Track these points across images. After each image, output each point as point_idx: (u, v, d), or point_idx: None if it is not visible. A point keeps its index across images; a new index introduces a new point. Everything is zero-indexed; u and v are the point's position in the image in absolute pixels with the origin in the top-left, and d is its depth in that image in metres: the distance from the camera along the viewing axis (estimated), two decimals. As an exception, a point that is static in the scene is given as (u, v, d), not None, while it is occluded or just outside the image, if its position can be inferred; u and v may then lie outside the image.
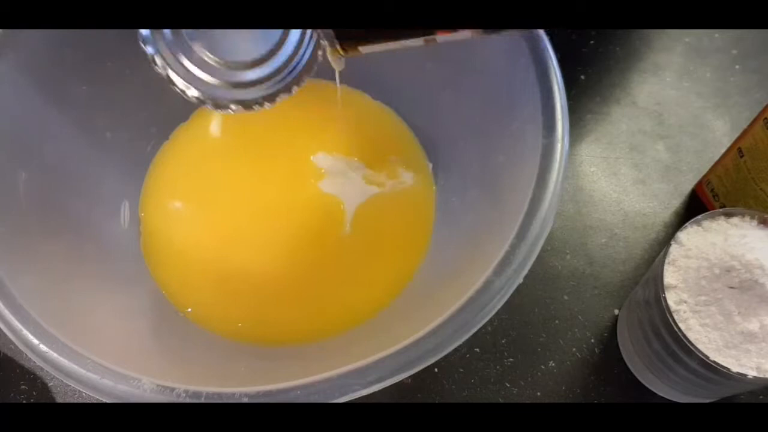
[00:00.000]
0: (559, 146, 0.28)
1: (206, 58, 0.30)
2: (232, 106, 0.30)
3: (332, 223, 0.39)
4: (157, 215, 0.40)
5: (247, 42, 0.30)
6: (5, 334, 0.27)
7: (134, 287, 0.37)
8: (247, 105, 0.30)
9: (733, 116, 0.45)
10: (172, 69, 0.30)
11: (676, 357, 0.31)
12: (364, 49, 0.29)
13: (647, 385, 0.37)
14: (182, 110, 0.42)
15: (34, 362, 0.27)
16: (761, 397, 0.37)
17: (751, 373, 0.29)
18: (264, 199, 0.40)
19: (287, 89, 0.31)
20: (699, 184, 0.42)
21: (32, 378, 0.39)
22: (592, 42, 0.48)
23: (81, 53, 0.35)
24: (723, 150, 0.39)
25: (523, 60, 0.30)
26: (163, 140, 0.42)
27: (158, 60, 0.30)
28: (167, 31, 0.30)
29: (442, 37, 0.27)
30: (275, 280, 0.38)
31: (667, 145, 0.44)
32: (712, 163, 0.41)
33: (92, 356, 0.26)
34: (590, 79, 0.47)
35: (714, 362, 0.29)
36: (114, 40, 0.36)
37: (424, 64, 0.37)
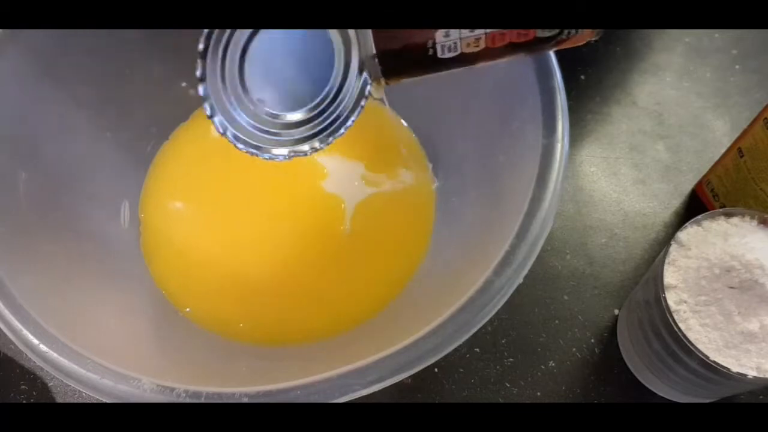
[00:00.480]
0: (559, 146, 0.28)
1: (260, 112, 0.30)
2: (289, 154, 0.30)
3: (332, 223, 0.39)
4: (157, 215, 0.40)
5: (297, 91, 0.30)
6: (5, 334, 0.27)
7: (134, 287, 0.37)
8: (302, 151, 0.30)
9: (733, 116, 0.45)
10: (229, 124, 0.30)
11: (676, 357, 0.31)
12: (407, 81, 0.29)
13: (647, 385, 0.37)
14: (182, 110, 0.42)
15: (34, 362, 0.27)
16: (761, 397, 0.37)
17: (751, 373, 0.29)
18: (264, 199, 0.40)
19: (337, 130, 0.30)
20: (699, 184, 0.42)
21: (32, 378, 0.39)
22: (592, 42, 0.48)
23: (81, 53, 0.35)
24: (723, 150, 0.39)
25: (523, 60, 0.30)
26: (163, 140, 0.42)
27: (218, 119, 0.30)
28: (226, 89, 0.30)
29: (483, 65, 0.27)
30: (275, 280, 0.38)
31: (667, 145, 0.44)
32: (712, 163, 0.41)
33: (92, 356, 0.26)
34: (590, 79, 0.47)
35: (714, 362, 0.29)
36: (114, 40, 0.36)
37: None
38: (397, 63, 0.28)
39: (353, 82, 0.29)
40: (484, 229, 0.32)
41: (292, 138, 0.30)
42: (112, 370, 0.26)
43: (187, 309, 0.37)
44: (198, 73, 0.30)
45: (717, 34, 0.48)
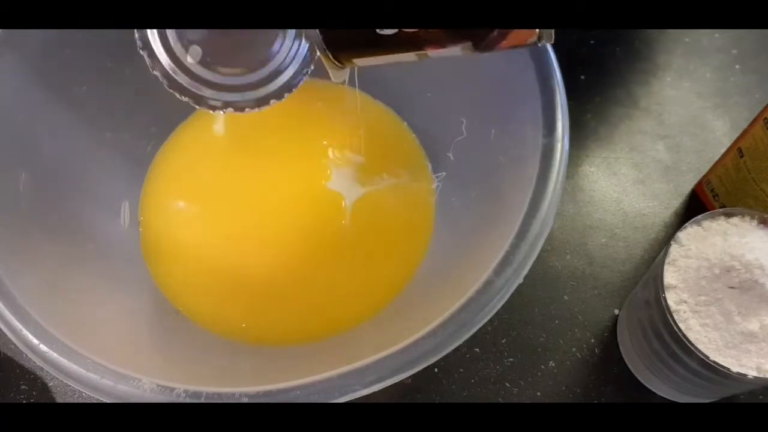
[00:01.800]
0: (559, 146, 0.28)
1: (201, 64, 0.31)
2: (226, 109, 0.31)
3: (333, 222, 0.39)
4: (158, 215, 0.40)
5: (242, 48, 0.30)
6: (5, 334, 0.27)
7: (134, 287, 0.37)
8: (238, 108, 0.31)
9: (733, 116, 0.45)
10: (168, 72, 0.31)
11: (676, 357, 0.31)
12: (360, 62, 0.29)
13: (647, 385, 0.37)
14: (182, 110, 0.42)
15: (34, 362, 0.27)
16: (761, 397, 0.37)
17: (751, 373, 0.29)
18: (265, 198, 0.40)
19: (278, 95, 0.31)
20: (699, 184, 0.42)
21: (32, 378, 0.39)
22: (592, 42, 0.48)
23: (81, 53, 0.35)
24: (723, 150, 0.39)
25: (523, 60, 0.30)
26: (163, 140, 0.42)
27: (153, 63, 0.31)
28: (163, 35, 0.30)
29: (433, 53, 0.27)
30: (276, 280, 0.38)
31: (667, 145, 0.44)
32: (712, 163, 0.41)
33: (92, 356, 0.26)
34: (590, 79, 0.47)
35: (714, 362, 0.29)
36: (114, 40, 0.36)
37: (424, 64, 0.37)
38: (336, 35, 0.28)
39: (296, 50, 0.30)
40: (484, 229, 0.32)
41: (234, 98, 0.31)
42: (112, 370, 0.26)
43: (188, 309, 0.37)
44: (139, 43, 0.31)
45: (717, 34, 0.48)
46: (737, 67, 0.47)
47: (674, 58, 0.47)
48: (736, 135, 0.38)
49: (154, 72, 0.31)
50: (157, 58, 0.31)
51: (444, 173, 0.40)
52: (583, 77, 0.47)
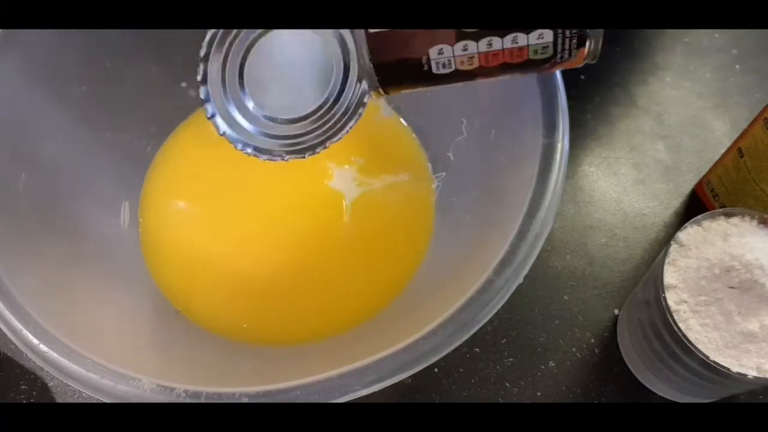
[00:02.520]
0: (559, 146, 0.28)
1: (259, 115, 0.31)
2: (287, 156, 0.31)
3: (333, 223, 0.39)
4: (158, 215, 0.40)
5: (296, 98, 0.30)
6: (5, 334, 0.27)
7: (134, 287, 0.37)
8: (300, 153, 0.31)
9: (733, 116, 0.45)
10: (229, 126, 0.31)
11: (676, 357, 0.31)
12: (406, 91, 0.29)
13: (647, 385, 0.37)
14: (182, 110, 0.42)
15: (34, 362, 0.27)
16: (761, 397, 0.37)
17: (751, 373, 0.29)
18: (265, 197, 0.40)
19: (335, 135, 0.31)
20: (699, 184, 0.42)
21: (32, 378, 0.39)
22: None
23: (81, 53, 0.35)
24: (723, 150, 0.39)
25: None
26: (163, 140, 0.42)
27: (218, 120, 0.31)
28: (224, 90, 0.31)
29: (483, 81, 0.28)
30: (276, 280, 0.38)
31: (667, 145, 0.44)
32: (712, 163, 0.41)
33: (92, 356, 0.26)
34: (590, 79, 0.47)
35: (714, 362, 0.29)
36: (114, 40, 0.36)
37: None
38: (393, 75, 0.28)
39: (352, 91, 0.30)
40: (484, 229, 0.32)
41: (290, 141, 0.31)
42: (112, 370, 0.26)
43: (188, 309, 0.37)
44: (199, 77, 0.31)
45: (717, 34, 0.48)
46: (737, 67, 0.47)
47: (674, 58, 0.47)
48: (736, 135, 0.38)
49: (218, 128, 0.31)
50: (222, 116, 0.31)
51: (444, 173, 0.40)
52: (583, 77, 0.47)
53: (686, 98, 0.46)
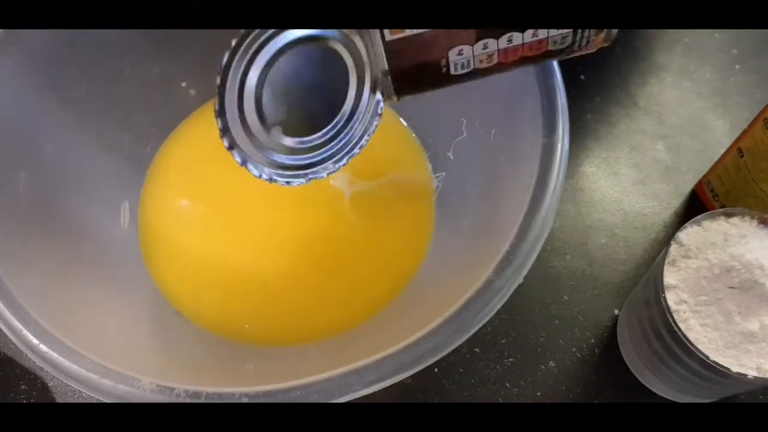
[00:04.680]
0: (559, 146, 0.28)
1: (275, 140, 0.30)
2: (308, 178, 0.31)
3: (333, 223, 0.39)
4: (158, 215, 0.40)
5: (311, 117, 0.30)
6: (5, 334, 0.27)
7: (134, 287, 0.37)
8: (319, 176, 0.30)
9: (733, 116, 0.45)
10: (249, 158, 0.30)
11: (676, 357, 0.31)
12: (418, 95, 0.29)
13: (647, 385, 0.37)
14: (182, 110, 0.42)
15: (34, 362, 0.27)
16: (761, 397, 0.37)
17: (751, 373, 0.29)
18: (265, 197, 0.40)
19: (351, 150, 0.30)
20: (699, 184, 0.42)
21: (32, 378, 0.39)
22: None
23: (81, 53, 0.35)
24: (723, 150, 0.39)
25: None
26: (163, 140, 0.42)
27: (236, 153, 0.30)
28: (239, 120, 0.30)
29: (492, 76, 0.28)
30: (276, 281, 0.38)
31: (667, 145, 0.44)
32: (712, 163, 0.41)
33: (92, 356, 0.26)
34: (590, 79, 0.47)
35: (714, 362, 0.29)
36: (114, 40, 0.36)
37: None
38: (410, 81, 0.28)
39: (367, 102, 0.29)
40: (484, 229, 0.32)
41: (308, 161, 0.30)
42: (112, 370, 0.26)
43: (188, 310, 0.37)
44: (217, 107, 0.30)
45: (717, 34, 0.48)
46: (737, 67, 0.47)
47: (674, 58, 0.47)
48: (736, 135, 0.38)
49: (237, 160, 0.30)
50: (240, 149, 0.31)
51: (444, 173, 0.40)
52: (583, 77, 0.47)
53: (686, 98, 0.46)
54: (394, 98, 0.29)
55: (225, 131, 0.30)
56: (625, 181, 0.43)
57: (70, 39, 0.34)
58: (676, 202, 0.43)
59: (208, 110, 0.41)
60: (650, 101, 0.46)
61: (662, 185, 0.43)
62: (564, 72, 0.30)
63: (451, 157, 0.39)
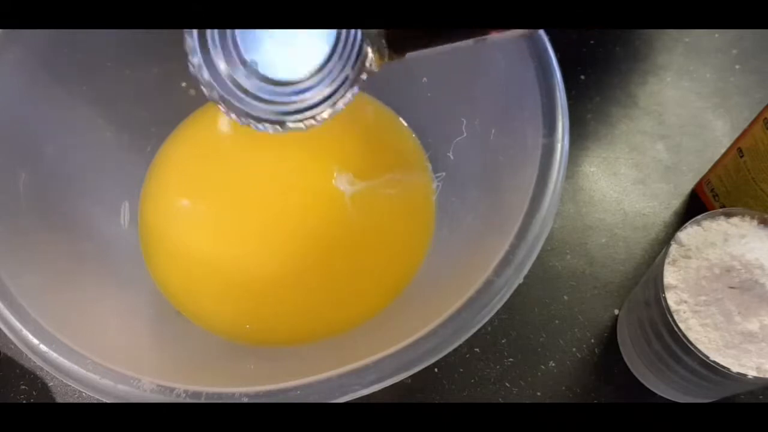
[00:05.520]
0: (559, 146, 0.28)
1: (254, 77, 0.28)
2: (287, 125, 0.29)
3: (334, 223, 0.39)
4: (158, 215, 0.40)
5: (294, 57, 0.28)
6: (5, 334, 0.27)
7: (134, 287, 0.37)
8: (298, 128, 0.28)
9: (733, 116, 0.45)
10: (220, 87, 0.28)
11: (676, 357, 0.31)
12: (411, 55, 0.28)
13: (647, 385, 0.37)
14: (182, 110, 0.42)
15: (34, 362, 0.27)
16: (761, 397, 0.37)
17: (751, 373, 0.29)
18: (266, 197, 0.40)
19: (334, 104, 0.29)
20: (699, 184, 0.42)
21: (32, 378, 0.39)
22: (592, 42, 0.48)
23: (81, 53, 0.35)
24: (723, 150, 0.39)
25: (523, 60, 0.30)
26: (163, 140, 0.42)
27: (204, 73, 0.28)
28: (215, 40, 0.28)
29: (493, 37, 0.26)
30: (276, 281, 0.38)
31: (667, 145, 0.44)
32: (712, 163, 0.41)
33: (92, 356, 0.26)
34: (590, 79, 0.47)
35: (714, 362, 0.29)
36: (114, 40, 0.36)
37: (425, 64, 0.37)
38: (403, 33, 0.27)
39: (353, 53, 0.28)
40: (484, 229, 0.32)
41: (285, 110, 0.28)
42: (112, 370, 0.26)
43: (188, 310, 0.37)
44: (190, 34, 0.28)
45: (717, 34, 0.48)
46: (737, 67, 0.47)
47: (674, 58, 0.47)
48: (736, 135, 0.38)
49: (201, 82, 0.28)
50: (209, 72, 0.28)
51: (444, 173, 0.40)
52: (583, 77, 0.47)
53: (686, 98, 0.46)
54: (386, 54, 0.27)
55: (194, 52, 0.28)
56: (625, 181, 0.43)
57: (70, 39, 0.34)
58: (676, 202, 0.43)
59: (208, 110, 0.41)
60: (650, 101, 0.46)
61: (662, 185, 0.43)
62: (564, 72, 0.30)
63: (451, 157, 0.39)
